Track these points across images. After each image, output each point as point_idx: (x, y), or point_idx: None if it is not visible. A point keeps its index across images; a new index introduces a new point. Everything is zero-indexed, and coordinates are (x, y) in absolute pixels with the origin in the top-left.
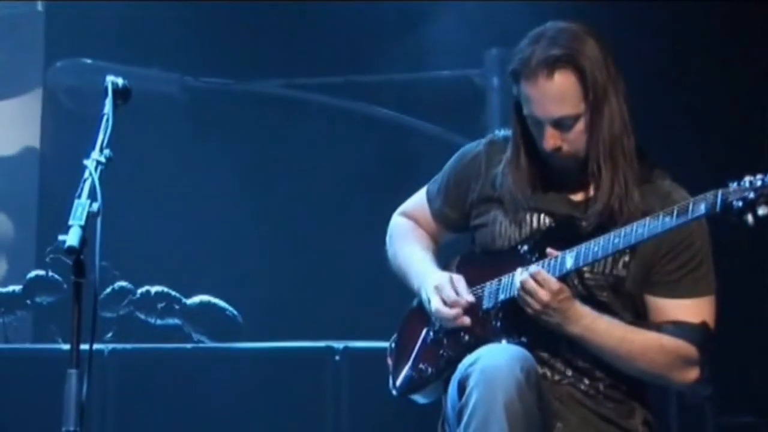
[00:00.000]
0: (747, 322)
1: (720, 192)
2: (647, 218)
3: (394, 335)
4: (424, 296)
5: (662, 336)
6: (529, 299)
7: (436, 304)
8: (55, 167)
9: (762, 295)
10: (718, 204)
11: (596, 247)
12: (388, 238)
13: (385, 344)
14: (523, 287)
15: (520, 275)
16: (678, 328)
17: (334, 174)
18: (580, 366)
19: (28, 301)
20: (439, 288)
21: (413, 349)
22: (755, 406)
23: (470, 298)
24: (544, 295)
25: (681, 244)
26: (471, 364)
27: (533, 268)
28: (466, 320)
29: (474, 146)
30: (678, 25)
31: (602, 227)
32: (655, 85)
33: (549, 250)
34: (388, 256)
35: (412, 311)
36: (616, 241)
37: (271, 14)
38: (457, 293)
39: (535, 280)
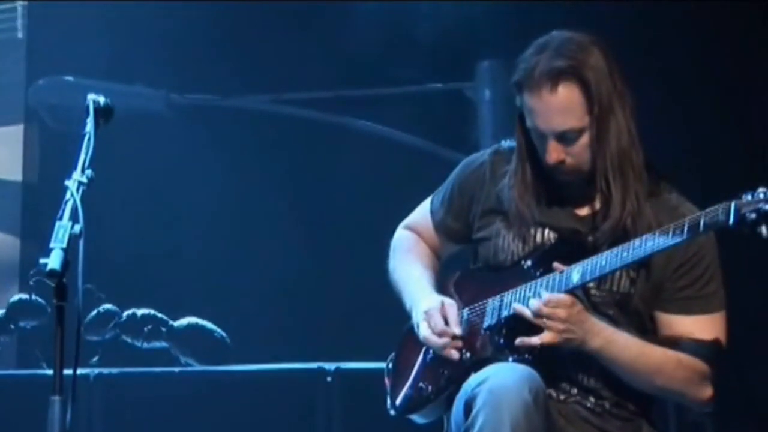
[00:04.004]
0: (749, 335)
1: (733, 203)
2: (656, 232)
3: (392, 354)
4: (414, 319)
5: (679, 352)
6: (549, 323)
7: (424, 332)
8: (38, 188)
9: (764, 306)
10: (732, 216)
11: (603, 261)
12: (390, 252)
13: (377, 365)
14: (538, 316)
15: (527, 309)
16: (694, 344)
17: (323, 191)
18: (585, 385)
19: (12, 326)
20: (429, 314)
21: (413, 368)
22: (757, 423)
23: (457, 330)
24: (562, 313)
25: (692, 259)
26: (479, 384)
27: (534, 301)
28: (454, 354)
29: (479, 156)
30: (673, 24)
31: (615, 245)
32: (648, 89)
33: (556, 264)
34: (388, 270)
35: (410, 330)
36: (625, 255)
37: (257, 28)
38: (446, 321)
39: (547, 305)
